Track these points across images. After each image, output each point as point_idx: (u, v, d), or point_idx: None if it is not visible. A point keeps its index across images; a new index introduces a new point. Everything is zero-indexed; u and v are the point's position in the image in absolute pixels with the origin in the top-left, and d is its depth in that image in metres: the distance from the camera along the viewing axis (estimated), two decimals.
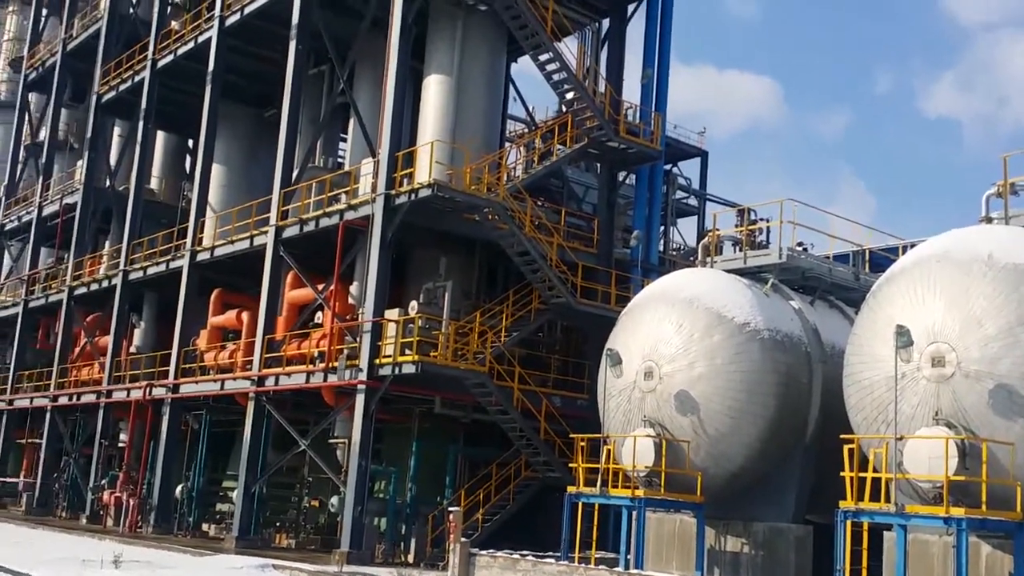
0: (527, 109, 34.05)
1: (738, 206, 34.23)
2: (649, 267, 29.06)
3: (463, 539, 19.71)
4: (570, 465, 20.44)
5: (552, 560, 18.33)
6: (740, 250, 20.55)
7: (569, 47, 28.92)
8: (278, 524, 29.62)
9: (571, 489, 19.35)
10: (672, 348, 19.05)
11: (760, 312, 19.04)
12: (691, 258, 32.77)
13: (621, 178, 29.87)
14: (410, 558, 24.92)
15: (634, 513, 18.82)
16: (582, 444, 19.75)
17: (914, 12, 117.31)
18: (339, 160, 36.26)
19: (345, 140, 36.30)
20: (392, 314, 24.77)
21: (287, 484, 30.72)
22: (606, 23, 30.75)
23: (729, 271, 20.23)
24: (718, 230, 20.97)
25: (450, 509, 18.86)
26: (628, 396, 19.61)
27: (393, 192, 25.00)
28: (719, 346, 18.73)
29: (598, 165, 31.22)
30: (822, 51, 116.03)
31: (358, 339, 24.95)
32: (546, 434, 25.77)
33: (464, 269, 27.87)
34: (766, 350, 18.74)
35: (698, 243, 32.41)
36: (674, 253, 34.91)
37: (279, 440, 28.80)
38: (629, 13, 30.00)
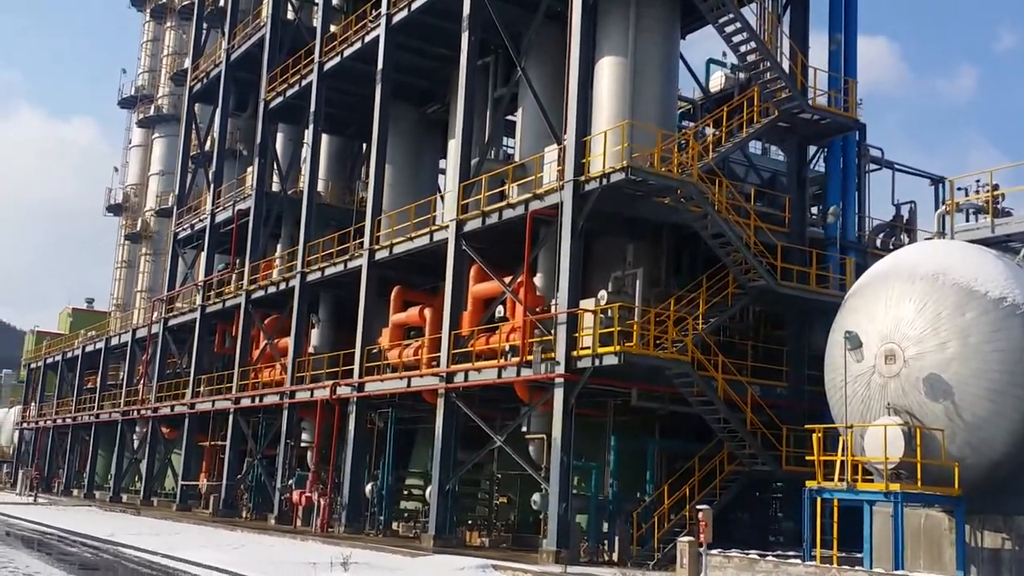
0: (700, 85, 32.20)
1: (931, 175, 31.98)
2: (848, 244, 26.96)
3: (690, 538, 18.21)
4: (807, 458, 18.65)
5: (798, 561, 16.66)
6: (981, 219, 18.39)
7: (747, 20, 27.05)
8: (469, 522, 28.67)
9: (811, 484, 17.63)
10: (917, 328, 17.13)
11: (1016, 285, 16.95)
12: (881, 234, 30.44)
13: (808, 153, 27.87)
14: (614, 556, 23.56)
15: (876, 508, 17.05)
16: (818, 436, 17.97)
17: None
18: (508, 151, 35.24)
19: (511, 133, 35.37)
20: (588, 304, 23.42)
21: (473, 481, 29.76)
22: None
23: (973, 241, 18.12)
24: (957, 200, 18.80)
25: (699, 507, 17.37)
26: (867, 382, 17.75)
27: (583, 178, 23.65)
28: (973, 324, 16.73)
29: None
30: (937, 9, 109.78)
31: (552, 331, 23.70)
32: (751, 425, 24.05)
33: (651, 255, 26.32)
34: None
35: (894, 217, 30.23)
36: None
37: (465, 437, 27.83)
38: None
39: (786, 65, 26.09)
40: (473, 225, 26.89)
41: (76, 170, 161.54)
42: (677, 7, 26.87)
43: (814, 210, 30.26)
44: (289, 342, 35.29)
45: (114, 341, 53.12)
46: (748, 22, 25.19)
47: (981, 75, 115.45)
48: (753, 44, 25.07)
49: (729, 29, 25.00)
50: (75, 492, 54.65)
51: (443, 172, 38.56)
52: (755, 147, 32.54)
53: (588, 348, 22.70)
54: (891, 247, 29.82)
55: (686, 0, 26.19)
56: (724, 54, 39.37)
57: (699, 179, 23.66)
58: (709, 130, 27.53)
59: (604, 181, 23.07)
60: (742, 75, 36.59)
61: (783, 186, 30.74)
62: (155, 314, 47.82)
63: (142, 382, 48.11)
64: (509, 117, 32.65)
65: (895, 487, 16.41)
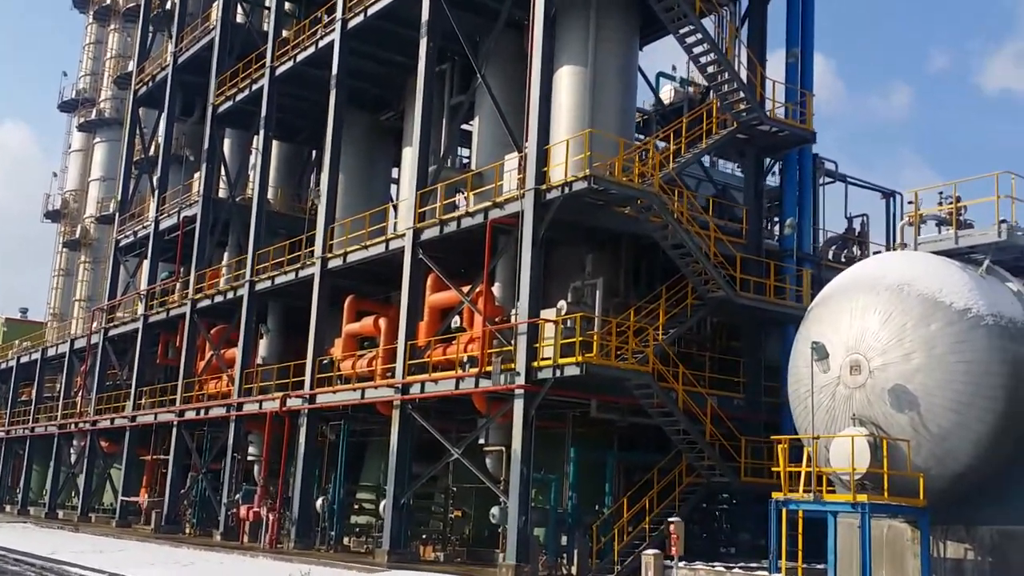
0: (656, 96, 32.25)
1: (883, 189, 32.36)
2: (803, 256, 27.12)
3: (655, 551, 18.05)
4: (774, 469, 18.59)
5: (764, 572, 16.58)
6: (944, 230, 18.54)
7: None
8: (423, 536, 28.25)
9: (777, 495, 17.56)
10: (882, 339, 17.18)
11: (980, 296, 17.09)
12: (833, 246, 30.73)
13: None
14: (573, 570, 23.33)
15: (840, 519, 17.05)
16: (783, 447, 17.94)
17: None
18: (463, 160, 34.99)
19: (465, 142, 35.15)
20: (548, 314, 23.23)
21: (427, 495, 29.36)
22: (743, 3, 28.89)
23: (937, 253, 18.26)
24: (919, 211, 18.94)
25: (671, 520, 17.20)
26: (832, 392, 17.77)
27: (544, 187, 23.49)
28: (938, 335, 16.82)
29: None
30: (872, 28, 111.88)
31: (512, 342, 23.45)
32: (710, 436, 24.02)
33: (610, 265, 26.25)
34: (991, 337, 16.79)
35: (847, 230, 30.53)
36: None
37: (419, 449, 27.44)
38: None
39: (744, 76, 26.22)
40: (430, 233, 26.58)
41: (7, 176, 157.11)
42: (636, 17, 26.89)
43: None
44: (237, 353, 34.58)
45: (51, 352, 51.72)
46: (708, 32, 25.29)
47: (914, 93, 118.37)
48: (713, 55, 25.15)
49: (690, 40, 25.05)
50: (7, 508, 53.07)
51: (396, 181, 38.21)
52: (703, 159, 32.68)
53: (549, 359, 22.49)
54: (843, 260, 30.15)
55: (645, 10, 26.19)
56: (674, 68, 39.68)
57: (660, 189, 23.64)
58: (662, 144, 27.54)
59: (566, 190, 22.93)
60: (691, 89, 36.92)
61: (733, 198, 30.96)
62: (95, 323, 46.68)
63: (80, 394, 46.85)
64: (464, 126, 32.45)
65: (862, 498, 16.40)
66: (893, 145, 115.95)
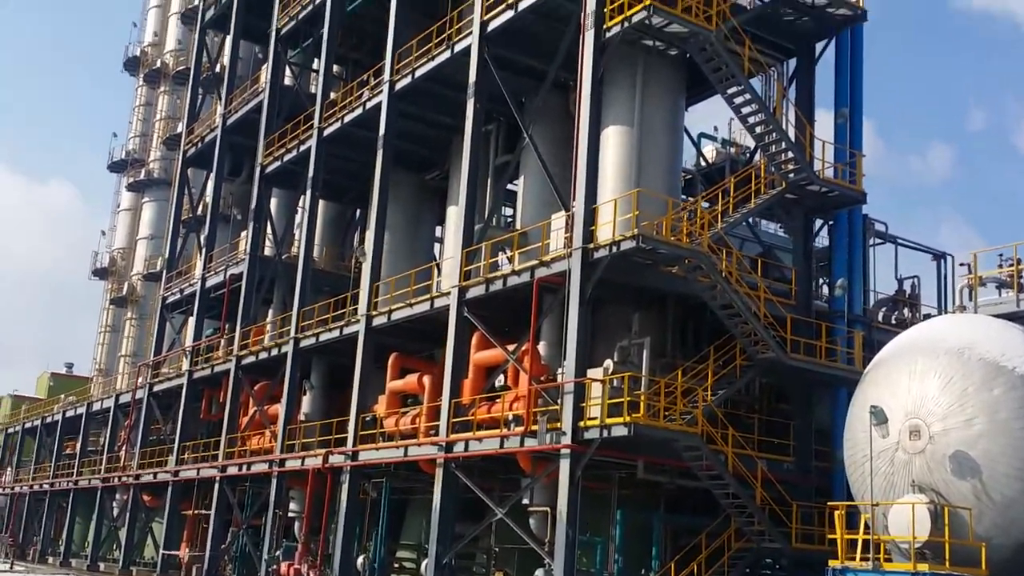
0: (702, 155, 32.14)
1: (933, 251, 31.83)
2: (854, 318, 26.59)
3: None
4: (829, 536, 18.01)
5: None
6: (1005, 293, 18.07)
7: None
8: None
9: (834, 563, 16.98)
10: (943, 404, 16.69)
11: None
12: (883, 308, 30.19)
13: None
14: None
15: None
16: (840, 513, 17.37)
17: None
18: (507, 219, 34.97)
19: (509, 200, 35.18)
20: (596, 373, 22.87)
21: (469, 555, 28.85)
22: (791, 64, 28.78)
23: (998, 316, 17.78)
24: (980, 274, 18.50)
25: None
26: (890, 458, 17.23)
27: (591, 246, 23.29)
28: (1001, 400, 16.29)
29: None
30: (909, 88, 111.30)
31: (558, 401, 23.10)
32: (761, 500, 23.40)
33: (656, 325, 25.87)
34: None
35: (898, 291, 29.99)
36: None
37: (462, 508, 27.00)
38: (818, 52, 28.04)
39: (792, 136, 26.00)
40: (476, 292, 26.41)
41: (53, 233, 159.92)
42: (683, 77, 26.83)
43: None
44: (280, 409, 34.46)
45: (96, 406, 51.96)
46: (756, 92, 25.14)
47: (953, 152, 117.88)
48: (761, 115, 24.98)
49: (738, 100, 24.90)
50: (51, 560, 52.94)
51: (439, 240, 38.24)
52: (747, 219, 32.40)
53: (596, 418, 22.09)
54: (894, 322, 29.60)
55: (692, 70, 26.14)
56: (716, 128, 39.72)
57: (708, 249, 23.35)
58: (704, 204, 27.30)
59: (614, 249, 22.70)
60: (732, 149, 36.77)
61: (777, 258, 30.58)
62: (140, 379, 46.83)
63: (124, 448, 46.89)
64: (509, 185, 32.46)
65: (923, 567, 15.79)
66: (932, 204, 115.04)
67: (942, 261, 30.70)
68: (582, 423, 22.33)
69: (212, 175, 43.54)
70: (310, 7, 37.21)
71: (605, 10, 24.27)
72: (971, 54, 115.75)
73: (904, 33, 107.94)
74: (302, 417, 35.41)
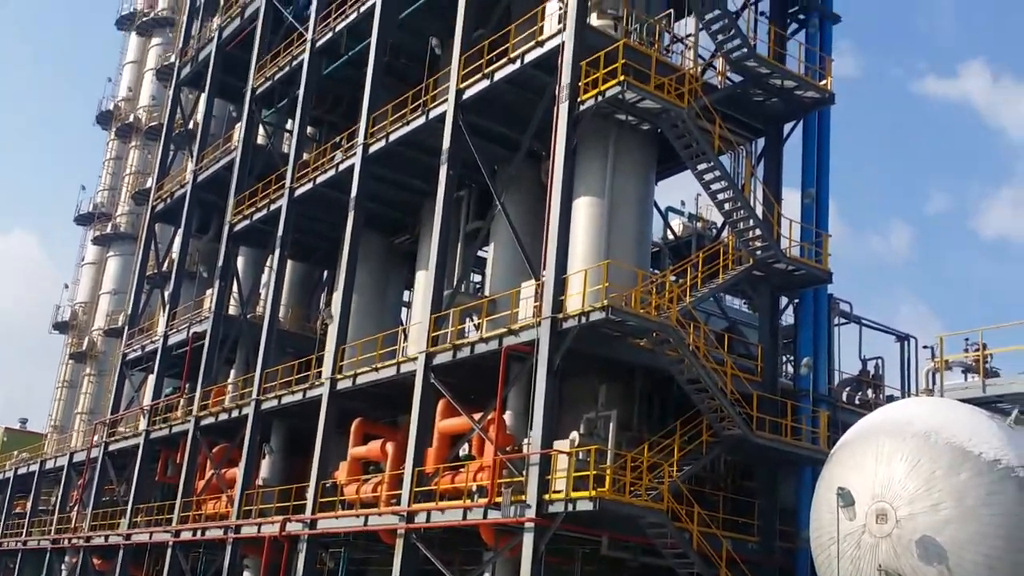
0: (671, 230, 32.29)
1: (897, 332, 32.00)
2: (819, 397, 26.55)
3: None
4: None
5: None
6: (971, 378, 18.06)
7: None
8: None
9: None
10: (910, 488, 16.54)
11: (1011, 447, 16.50)
12: (847, 388, 30.24)
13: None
14: None
15: None
16: None
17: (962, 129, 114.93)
18: (475, 285, 34.83)
19: (478, 266, 35.12)
20: (562, 445, 22.57)
21: None
22: (760, 143, 29.09)
23: (964, 400, 17.74)
24: (946, 358, 18.51)
25: None
26: (856, 541, 17.01)
27: (561, 316, 23.14)
28: (968, 485, 16.17)
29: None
30: (871, 169, 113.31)
31: (523, 472, 22.73)
32: None
33: (623, 398, 25.67)
34: (1022, 490, 16.12)
35: (862, 372, 30.05)
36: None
37: None
38: (786, 133, 28.37)
39: (760, 213, 26.16)
40: (443, 358, 26.11)
41: (12, 285, 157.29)
42: (654, 151, 26.99)
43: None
44: (238, 472, 33.71)
45: (49, 464, 50.65)
46: (726, 169, 25.33)
47: (913, 234, 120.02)
48: (730, 192, 25.14)
49: (708, 176, 25.07)
50: None
51: (407, 304, 38.00)
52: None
53: (561, 492, 21.74)
54: (858, 402, 29.63)
55: (663, 145, 26.33)
56: (682, 203, 40.03)
57: (677, 323, 23.27)
58: (672, 277, 27.35)
59: (583, 320, 22.56)
60: (699, 224, 36.99)
61: (742, 333, 30.58)
62: (95, 437, 45.80)
63: (76, 508, 45.64)
64: (479, 252, 32.39)
65: None
66: (891, 283, 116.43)
67: (905, 343, 30.88)
68: (547, 496, 21.95)
69: (180, 231, 43.11)
70: (287, 69, 37.27)
71: (580, 84, 24.45)
72: (930, 137, 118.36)
73: (863, 114, 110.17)
74: (260, 482, 34.67)
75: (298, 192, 34.75)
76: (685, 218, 35.19)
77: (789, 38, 28.72)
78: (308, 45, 35.89)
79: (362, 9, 33.13)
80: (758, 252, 25.43)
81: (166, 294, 42.81)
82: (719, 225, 31.98)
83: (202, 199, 42.68)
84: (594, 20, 25.98)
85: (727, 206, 25.47)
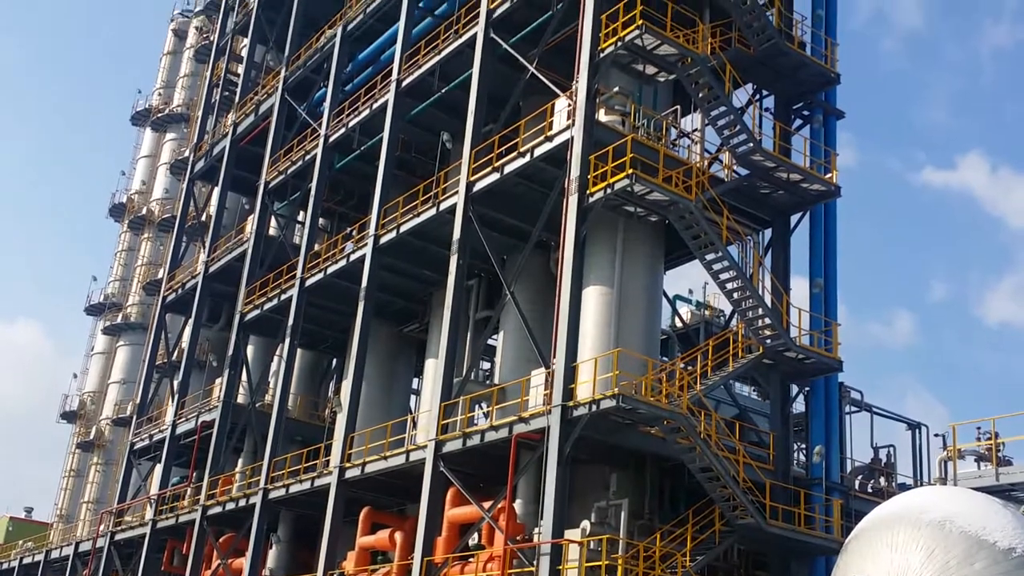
0: (679, 318, 32.43)
1: (908, 420, 31.87)
2: (831, 485, 26.32)
3: None
4: None
5: None
6: (984, 467, 17.97)
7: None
8: None
9: None
10: None
11: None
12: (859, 476, 29.98)
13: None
14: None
15: None
16: None
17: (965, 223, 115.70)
18: (484, 372, 34.84)
19: (487, 354, 35.20)
20: (573, 534, 22.33)
21: None
22: (767, 233, 29.38)
23: (977, 489, 17.61)
24: (958, 447, 18.45)
25: None
26: None
27: (571, 403, 23.13)
28: (983, 574, 15.95)
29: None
30: (874, 258, 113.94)
31: (535, 563, 22.45)
32: None
33: (634, 486, 25.46)
34: None
35: (873, 460, 29.84)
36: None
37: None
38: (793, 224, 28.70)
39: (769, 302, 26.31)
40: (452, 446, 26.01)
41: (17, 373, 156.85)
42: (662, 241, 27.29)
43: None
44: (244, 563, 33.27)
45: (55, 554, 50.00)
46: (734, 259, 25.56)
47: (917, 321, 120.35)
48: (739, 281, 25.32)
49: (716, 266, 25.30)
50: None
51: (416, 392, 37.95)
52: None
53: None
54: (870, 490, 29.35)
55: (671, 235, 26.62)
56: (690, 291, 40.24)
57: (688, 411, 23.23)
58: (681, 365, 27.41)
59: (593, 407, 22.55)
60: (706, 312, 37.15)
61: (752, 421, 30.47)
62: (102, 526, 45.28)
63: None
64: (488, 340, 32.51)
65: None
66: (895, 371, 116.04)
67: (917, 431, 30.71)
68: None
69: (191, 320, 43.30)
70: (299, 163, 37.90)
71: (589, 177, 24.86)
72: (930, 226, 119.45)
73: (862, 203, 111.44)
74: (267, 572, 34.21)
75: (309, 282, 35.03)
76: (693, 306, 35.45)
77: (794, 133, 29.30)
78: (321, 140, 36.57)
79: (375, 106, 33.86)
80: (768, 341, 25.50)
81: (175, 383, 42.81)
82: (727, 313, 32.14)
83: (213, 289, 42.98)
84: (602, 116, 26.52)
85: (736, 295, 25.63)
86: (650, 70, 26.35)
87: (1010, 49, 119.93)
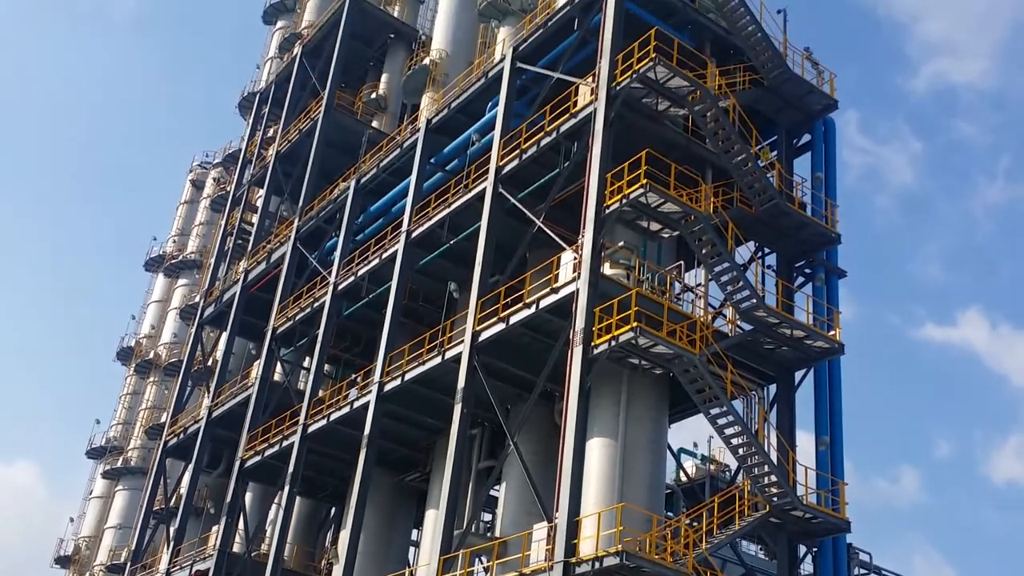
0: (684, 472, 31.76)
1: None
2: None
3: None
4: None
5: None
6: None
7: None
8: None
9: None
10: None
11: None
12: None
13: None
14: None
15: None
16: None
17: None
18: (485, 523, 33.89)
19: (489, 505, 34.32)
20: None
21: None
22: (772, 388, 29.06)
23: None
24: None
25: None
26: None
27: (574, 560, 22.32)
28: None
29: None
30: (878, 414, 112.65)
31: None
32: None
33: None
34: None
35: None
36: None
37: None
38: (797, 380, 28.40)
39: (775, 458, 25.76)
40: None
41: (13, 515, 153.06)
42: (666, 395, 26.97)
43: None
44: None
45: None
46: (739, 414, 25.17)
47: (922, 478, 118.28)
48: (744, 437, 24.87)
49: (721, 421, 24.91)
50: None
51: (415, 543, 36.85)
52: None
53: None
54: None
55: (676, 388, 26.32)
56: (695, 445, 39.58)
57: (694, 570, 22.41)
58: (686, 522, 26.66)
59: (597, 565, 21.79)
60: (711, 466, 36.43)
61: None
62: None
63: None
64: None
65: None
66: (902, 529, 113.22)
67: None
68: None
69: (191, 466, 42.49)
70: (308, 310, 37.94)
71: (594, 329, 24.75)
72: (933, 383, 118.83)
73: (864, 359, 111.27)
74: None
75: (311, 429, 34.52)
76: (698, 460, 34.77)
77: (796, 290, 29.36)
78: (330, 288, 36.71)
79: (384, 255, 34.13)
80: (774, 499, 24.84)
81: (171, 529, 41.69)
82: (732, 468, 31.49)
83: (215, 435, 42.34)
84: (607, 269, 26.63)
85: (741, 451, 25.12)
86: (654, 226, 26.60)
87: (1004, 206, 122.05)
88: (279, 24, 60.79)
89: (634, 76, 26.56)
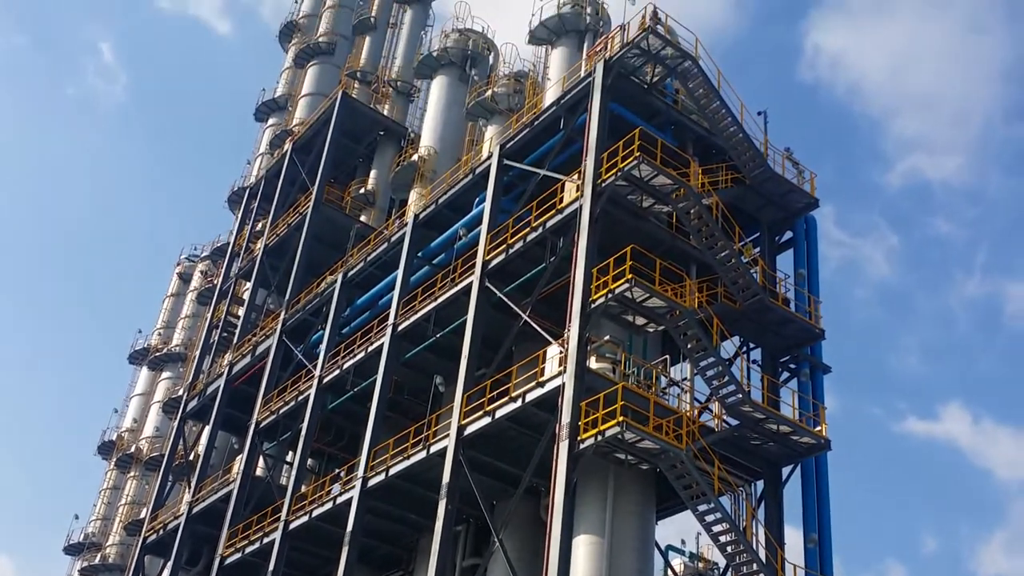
0: (672, 570, 31.04)
1: None
2: None
3: None
4: None
5: None
6: None
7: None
8: None
9: None
10: None
11: None
12: None
13: None
14: None
15: None
16: None
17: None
18: None
19: None
20: None
21: None
22: (759, 484, 28.68)
23: None
24: None
25: None
26: None
27: None
28: None
29: None
30: (861, 507, 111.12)
31: None
32: None
33: None
34: None
35: None
36: None
37: None
38: (784, 476, 28.08)
39: (763, 556, 25.28)
40: None
41: None
42: (653, 491, 26.59)
43: None
44: None
45: None
46: (727, 510, 24.79)
47: (909, 573, 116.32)
48: (733, 535, 24.44)
49: (709, 518, 24.52)
50: None
51: None
52: None
53: None
54: None
55: (663, 484, 25.96)
56: (683, 542, 38.77)
57: None
58: None
59: None
60: (700, 564, 35.66)
61: None
62: None
63: None
64: None
65: None
66: None
67: None
68: None
69: (170, 563, 41.38)
70: (292, 403, 37.51)
71: (580, 423, 24.51)
72: (917, 477, 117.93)
73: (847, 453, 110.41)
74: None
75: (293, 525, 33.77)
76: (686, 558, 33.95)
77: (782, 385, 29.24)
78: (315, 381, 36.35)
79: (370, 348, 33.93)
80: None
81: None
82: (721, 567, 30.87)
83: (195, 531, 41.35)
84: (593, 363, 26.50)
85: (730, 548, 24.67)
86: (640, 321, 26.58)
87: (981, 300, 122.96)
88: (271, 121, 61.63)
89: (619, 174, 26.86)
